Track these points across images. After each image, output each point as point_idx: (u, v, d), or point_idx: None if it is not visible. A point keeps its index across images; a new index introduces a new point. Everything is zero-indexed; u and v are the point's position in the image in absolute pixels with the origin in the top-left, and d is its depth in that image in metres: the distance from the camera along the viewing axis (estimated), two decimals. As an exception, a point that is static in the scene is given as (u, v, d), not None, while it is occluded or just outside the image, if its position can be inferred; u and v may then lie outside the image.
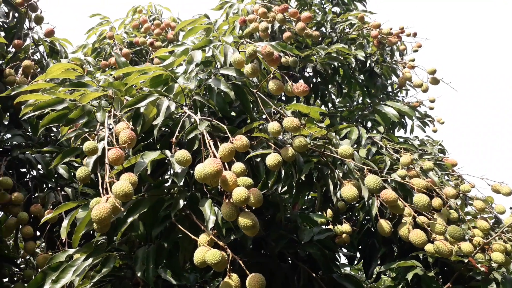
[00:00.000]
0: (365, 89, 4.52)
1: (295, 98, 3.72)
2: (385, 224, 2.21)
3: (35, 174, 3.28)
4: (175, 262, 2.24)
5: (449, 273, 3.23)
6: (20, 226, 2.97)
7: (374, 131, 3.91)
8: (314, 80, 4.09)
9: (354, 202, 3.69)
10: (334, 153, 2.24)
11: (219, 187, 2.43)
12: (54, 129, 3.69)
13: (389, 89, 5.64)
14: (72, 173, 3.14)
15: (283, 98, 4.28)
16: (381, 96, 5.20)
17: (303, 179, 2.11)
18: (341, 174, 2.33)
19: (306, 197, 3.08)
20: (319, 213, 3.52)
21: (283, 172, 2.20)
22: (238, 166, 1.89)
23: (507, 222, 3.09)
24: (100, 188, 1.82)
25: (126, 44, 4.37)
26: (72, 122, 2.10)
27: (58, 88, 2.26)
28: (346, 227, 3.28)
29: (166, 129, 2.47)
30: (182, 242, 2.20)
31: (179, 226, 1.95)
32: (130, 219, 2.00)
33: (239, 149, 1.87)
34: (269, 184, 2.20)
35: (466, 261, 2.84)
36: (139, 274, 2.10)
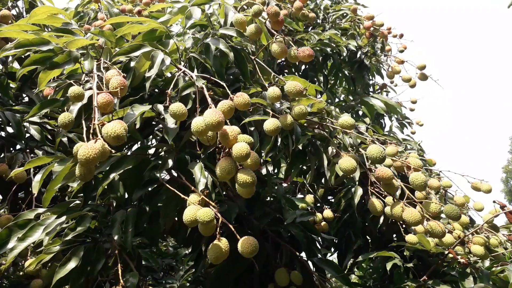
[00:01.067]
0: (351, 83, 4.50)
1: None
2: (377, 203, 2.16)
3: (3, 134, 3.03)
4: (156, 228, 2.10)
5: (423, 267, 3.23)
6: (-18, 186, 2.72)
7: (360, 122, 3.89)
8: (304, 66, 4.03)
9: (335, 191, 3.69)
10: (332, 126, 2.16)
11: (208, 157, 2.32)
12: (26, 96, 3.43)
13: (371, 89, 5.70)
14: (45, 135, 2.92)
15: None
16: (364, 94, 5.22)
17: (300, 148, 2.02)
18: (334, 151, 2.27)
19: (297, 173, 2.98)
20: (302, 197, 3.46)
21: (279, 140, 2.11)
22: (234, 128, 1.78)
23: (485, 218, 3.13)
24: (84, 136, 1.66)
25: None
26: (56, 67, 1.92)
27: (42, 32, 2.07)
28: (328, 212, 3.22)
29: (155, 89, 2.32)
30: (165, 208, 2.06)
31: (168, 185, 1.81)
32: (112, 175, 1.85)
33: (240, 107, 1.76)
34: (263, 154, 2.09)
35: (446, 252, 2.83)
36: (116, 238, 1.95)
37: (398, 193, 2.50)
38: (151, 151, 2.18)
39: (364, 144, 3.51)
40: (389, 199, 2.56)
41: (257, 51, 2.42)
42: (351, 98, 5.28)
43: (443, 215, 3.57)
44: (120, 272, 1.75)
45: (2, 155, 2.89)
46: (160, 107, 1.90)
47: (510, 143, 33.13)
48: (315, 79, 4.18)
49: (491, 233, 3.12)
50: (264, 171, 2.97)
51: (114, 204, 2.20)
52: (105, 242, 2.05)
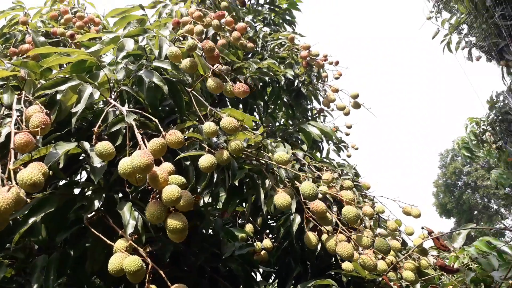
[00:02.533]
0: (289, 109, 4.59)
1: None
2: (312, 237, 2.17)
3: None
4: (82, 273, 1.95)
5: (360, 292, 3.30)
6: None
7: (298, 149, 3.96)
8: (243, 93, 4.05)
9: (275, 219, 3.70)
10: (269, 160, 2.16)
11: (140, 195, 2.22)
12: None
13: (309, 113, 5.88)
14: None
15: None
16: (302, 119, 5.36)
17: (237, 184, 1.99)
18: (270, 184, 2.27)
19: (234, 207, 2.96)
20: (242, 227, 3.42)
21: (215, 176, 2.07)
22: (167, 166, 1.72)
23: (416, 243, 3.27)
24: (-2, 179, 1.52)
25: (42, 34, 3.92)
26: (-32, 100, 1.76)
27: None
28: (267, 242, 3.21)
29: (84, 123, 2.20)
30: (92, 251, 1.92)
31: (92, 229, 1.69)
32: (32, 220, 1.70)
33: (173, 145, 1.70)
34: (199, 189, 2.04)
35: (380, 279, 2.92)
36: (35, 287, 1.78)
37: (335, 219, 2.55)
38: (79, 188, 2.05)
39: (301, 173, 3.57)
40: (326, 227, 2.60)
41: (194, 82, 2.38)
42: (290, 122, 5.39)
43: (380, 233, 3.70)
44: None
45: None
46: (86, 145, 1.79)
47: (439, 159, 35.51)
48: (255, 106, 4.21)
49: (422, 256, 3.28)
50: (202, 202, 2.91)
51: (36, 248, 2.03)
52: (24, 291, 1.88)
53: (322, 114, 5.78)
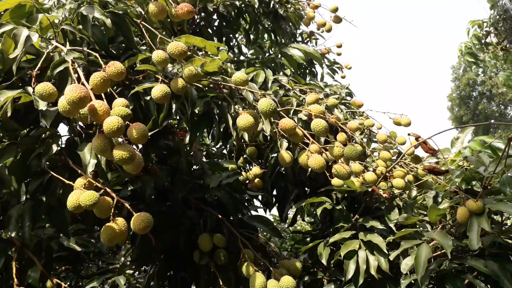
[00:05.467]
0: (272, 35, 4.39)
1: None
2: (285, 155, 2.14)
3: None
4: (59, 217, 1.98)
5: (358, 206, 3.32)
6: None
7: (281, 73, 3.83)
8: (217, 23, 3.86)
9: (264, 146, 3.68)
10: (229, 84, 2.08)
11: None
12: None
13: (299, 38, 5.64)
14: None
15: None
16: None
17: (196, 111, 1.94)
18: (240, 108, 2.20)
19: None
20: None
21: (174, 106, 2.01)
22: (120, 101, 1.66)
23: (406, 150, 3.23)
24: None
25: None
26: None
27: None
28: (256, 169, 3.21)
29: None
30: (64, 195, 1.94)
31: (52, 172, 1.69)
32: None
33: (114, 77, 1.63)
34: (159, 121, 2.00)
35: (370, 190, 2.92)
36: (13, 235, 1.83)
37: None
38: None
39: (286, 97, 3.46)
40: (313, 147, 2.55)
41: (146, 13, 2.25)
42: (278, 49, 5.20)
43: (375, 153, 3.66)
44: (14, 270, 1.65)
45: None
46: (29, 89, 1.74)
47: (451, 73, 34.54)
48: (231, 35, 4.04)
49: (416, 164, 3.25)
50: (187, 140, 2.88)
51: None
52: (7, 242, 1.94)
53: (313, 37, 5.54)
